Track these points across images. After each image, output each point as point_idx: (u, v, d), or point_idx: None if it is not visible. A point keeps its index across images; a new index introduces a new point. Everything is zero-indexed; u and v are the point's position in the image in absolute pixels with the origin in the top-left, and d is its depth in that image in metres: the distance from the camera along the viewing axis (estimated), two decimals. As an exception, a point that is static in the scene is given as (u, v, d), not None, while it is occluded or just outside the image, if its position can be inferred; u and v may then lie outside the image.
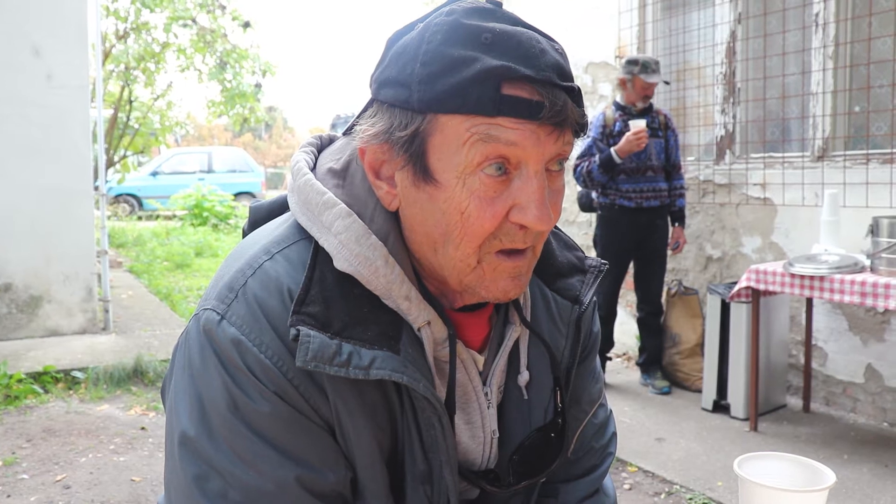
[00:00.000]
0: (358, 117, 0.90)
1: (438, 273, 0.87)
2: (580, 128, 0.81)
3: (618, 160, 4.21)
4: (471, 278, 0.84)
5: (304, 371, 0.81)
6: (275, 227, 0.92)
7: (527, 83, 0.76)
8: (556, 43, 0.82)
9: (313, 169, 0.93)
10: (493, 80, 0.75)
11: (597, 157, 4.28)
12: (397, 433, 0.89)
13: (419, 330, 0.87)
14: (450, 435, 0.90)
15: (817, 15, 4.12)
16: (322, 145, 1.00)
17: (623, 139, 4.17)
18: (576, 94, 0.80)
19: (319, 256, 0.85)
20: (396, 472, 0.90)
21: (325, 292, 0.83)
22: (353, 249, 0.84)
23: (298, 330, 0.79)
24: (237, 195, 16.51)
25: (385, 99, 0.81)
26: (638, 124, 4.13)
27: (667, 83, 4.56)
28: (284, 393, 0.81)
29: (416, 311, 0.86)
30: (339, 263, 0.84)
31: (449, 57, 0.76)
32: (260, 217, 1.03)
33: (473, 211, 0.79)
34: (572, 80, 0.80)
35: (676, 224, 4.56)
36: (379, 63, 0.85)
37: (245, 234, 1.00)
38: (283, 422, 0.81)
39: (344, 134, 0.97)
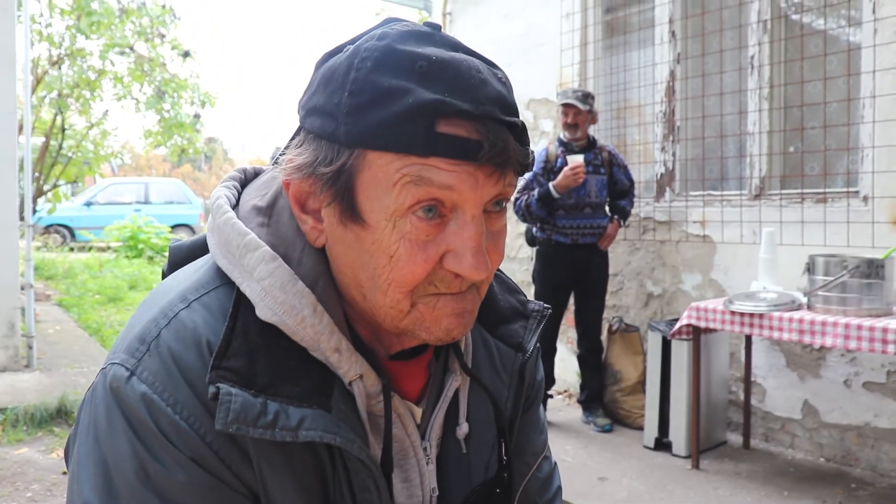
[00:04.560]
0: (286, 146, 0.83)
1: (370, 318, 0.80)
2: (523, 168, 0.74)
3: (556, 195, 4.21)
4: (406, 322, 0.77)
5: (224, 434, 0.72)
6: (193, 271, 0.84)
7: (465, 119, 0.68)
8: (500, 70, 0.75)
9: (236, 206, 0.86)
10: (427, 115, 0.67)
11: (536, 192, 4.28)
12: (329, 497, 0.81)
13: (350, 384, 0.79)
14: (386, 498, 0.82)
15: (752, 57, 4.22)
16: (246, 179, 0.92)
17: (560, 174, 4.18)
18: (519, 131, 0.72)
19: (242, 304, 0.77)
20: None
21: (249, 344, 0.75)
22: (278, 297, 0.76)
23: (218, 388, 0.70)
24: (174, 227, 16.19)
25: (311, 129, 0.74)
26: (575, 160, 4.15)
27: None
28: (202, 459, 0.72)
29: (347, 364, 0.78)
30: (262, 312, 0.76)
31: (379, 87, 0.69)
32: (180, 258, 0.94)
33: (403, 255, 0.72)
34: (517, 114, 0.73)
35: (616, 217, 4.49)
36: (307, 88, 0.77)
37: (164, 277, 0.92)
38: (201, 491, 0.72)
39: (271, 164, 0.90)
